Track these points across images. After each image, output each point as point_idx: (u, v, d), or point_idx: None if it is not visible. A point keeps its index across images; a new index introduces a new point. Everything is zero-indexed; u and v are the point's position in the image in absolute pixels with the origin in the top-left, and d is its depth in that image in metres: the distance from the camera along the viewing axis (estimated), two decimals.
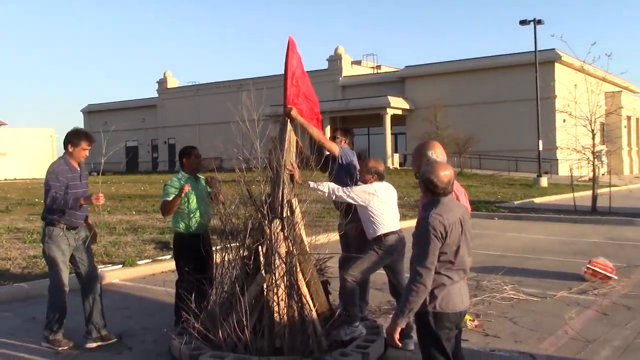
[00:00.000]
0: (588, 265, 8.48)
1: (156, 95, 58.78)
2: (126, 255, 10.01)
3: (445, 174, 3.61)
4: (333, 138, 6.49)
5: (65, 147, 5.86)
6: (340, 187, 5.60)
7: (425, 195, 3.73)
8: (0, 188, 28.59)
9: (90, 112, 63.88)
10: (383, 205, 5.52)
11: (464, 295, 3.70)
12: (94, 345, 5.73)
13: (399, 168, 40.20)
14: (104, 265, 9.07)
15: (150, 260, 9.73)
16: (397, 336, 3.55)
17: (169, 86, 58.00)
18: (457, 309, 3.59)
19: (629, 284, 8.27)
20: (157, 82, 58.63)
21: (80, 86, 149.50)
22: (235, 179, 5.64)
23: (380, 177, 5.69)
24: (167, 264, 9.52)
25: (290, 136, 5.60)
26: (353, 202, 5.58)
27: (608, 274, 8.30)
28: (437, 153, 4.62)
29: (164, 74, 58.46)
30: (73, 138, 5.86)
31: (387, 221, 5.52)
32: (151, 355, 5.54)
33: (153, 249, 10.82)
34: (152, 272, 9.20)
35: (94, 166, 57.95)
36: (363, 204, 5.52)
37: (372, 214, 5.51)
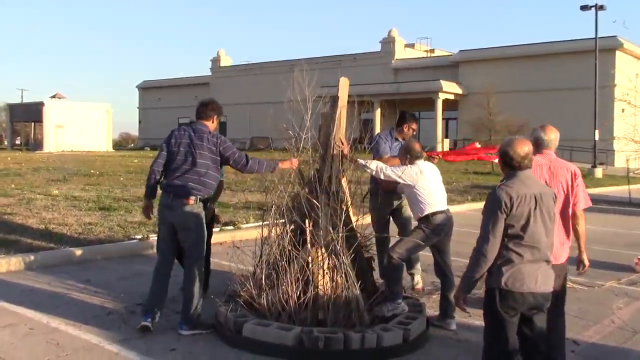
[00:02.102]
0: (639, 257, 8.30)
1: (209, 73, 59.51)
2: None
3: (523, 149, 3.63)
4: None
5: (210, 117, 5.64)
6: (387, 166, 5.63)
7: (503, 171, 3.74)
8: (58, 159, 29.56)
9: (144, 88, 65.14)
10: (430, 184, 5.53)
11: (543, 278, 3.58)
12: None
13: None
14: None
15: None
16: (461, 302, 3.69)
17: (222, 65, 58.62)
18: (526, 289, 3.52)
19: None
20: (210, 60, 59.39)
21: (136, 62, 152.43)
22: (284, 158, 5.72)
23: (415, 157, 5.66)
24: (215, 236, 9.73)
25: (341, 113, 5.65)
26: (401, 181, 5.60)
27: None
28: (549, 134, 4.60)
29: (217, 52, 59.18)
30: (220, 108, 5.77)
31: (435, 200, 5.52)
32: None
33: None
34: None
35: (146, 142, 59.23)
36: (411, 183, 5.53)
37: (419, 193, 5.52)
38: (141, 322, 5.32)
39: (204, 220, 5.50)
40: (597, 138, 31.21)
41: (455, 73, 43.81)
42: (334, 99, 5.64)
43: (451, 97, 42.19)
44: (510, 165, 3.65)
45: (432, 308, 6.12)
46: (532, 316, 3.66)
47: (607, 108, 33.85)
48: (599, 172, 29.11)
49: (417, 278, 6.80)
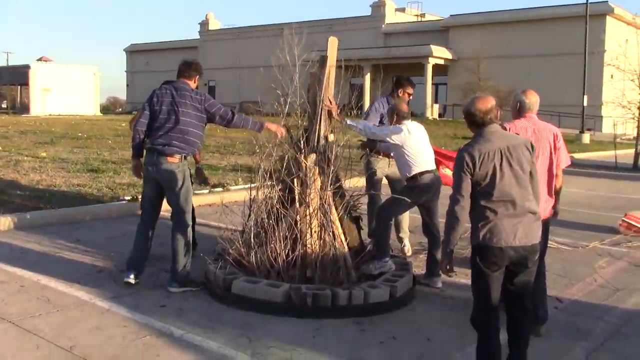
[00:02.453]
0: (623, 218, 8.45)
1: (198, 37, 58.80)
2: None
3: (485, 105, 3.64)
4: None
5: (192, 77, 5.58)
6: (375, 126, 5.65)
7: (472, 131, 3.74)
8: (46, 122, 29.29)
9: (132, 51, 64.37)
10: (418, 144, 5.56)
11: (524, 231, 3.57)
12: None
13: (437, 119, 39.75)
14: None
15: None
16: (444, 265, 3.71)
17: (210, 28, 57.90)
18: (504, 243, 3.53)
19: None
20: (198, 23, 58.64)
21: (123, 25, 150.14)
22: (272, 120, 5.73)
23: (403, 118, 5.68)
24: (204, 197, 9.78)
25: (329, 73, 5.64)
26: (389, 141, 5.63)
27: None
28: (530, 98, 4.76)
29: (206, 15, 58.41)
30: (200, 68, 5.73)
31: (423, 160, 5.56)
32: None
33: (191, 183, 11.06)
34: None
35: (134, 106, 58.72)
36: (399, 142, 5.56)
37: (407, 153, 5.55)
38: (124, 279, 5.42)
39: (190, 179, 5.54)
40: (585, 104, 31.28)
41: (445, 38, 43.56)
42: (323, 59, 5.62)
43: (441, 62, 42.02)
44: (474, 122, 3.67)
45: (418, 267, 6.21)
46: (517, 272, 3.70)
47: (596, 74, 33.86)
48: (586, 137, 29.27)
49: (406, 242, 6.86)
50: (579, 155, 22.02)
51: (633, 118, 17.99)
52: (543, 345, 4.31)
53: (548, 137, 4.68)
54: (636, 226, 8.24)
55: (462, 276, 6.05)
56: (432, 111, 41.29)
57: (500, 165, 3.56)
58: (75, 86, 49.46)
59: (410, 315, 5.00)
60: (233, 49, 54.68)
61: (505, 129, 4.23)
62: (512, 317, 3.82)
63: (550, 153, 4.70)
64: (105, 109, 60.63)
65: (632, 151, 18.22)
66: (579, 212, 10.23)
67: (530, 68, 38.94)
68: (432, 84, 41.98)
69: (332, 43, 5.70)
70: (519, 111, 4.76)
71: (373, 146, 6.34)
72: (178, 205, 5.44)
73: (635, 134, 18.31)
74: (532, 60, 39.38)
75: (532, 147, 3.70)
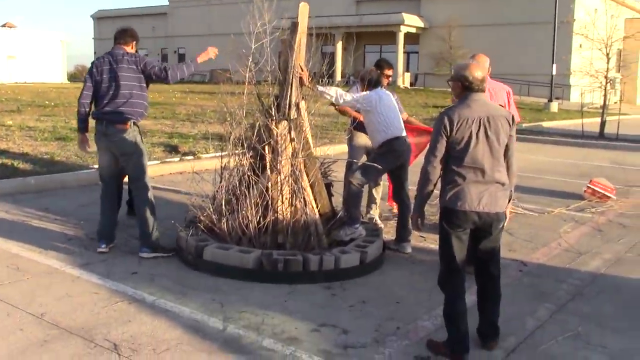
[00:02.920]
0: (588, 185, 8.63)
1: (167, 3, 57.66)
2: None
3: (482, 72, 3.74)
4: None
5: (129, 44, 5.68)
6: (347, 93, 5.66)
7: (458, 95, 3.80)
8: (11, 90, 28.61)
9: (100, 17, 62.91)
10: (388, 110, 5.60)
11: (490, 199, 3.66)
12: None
13: (409, 87, 39.81)
14: None
15: (159, 162, 9.92)
16: (415, 220, 3.87)
17: None
18: (467, 207, 3.62)
19: (627, 204, 8.44)
20: None
21: None
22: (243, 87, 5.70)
23: (373, 85, 5.70)
24: (175, 165, 9.74)
25: (300, 39, 5.61)
26: (360, 107, 5.66)
27: (607, 194, 8.45)
28: (481, 62, 5.12)
29: None
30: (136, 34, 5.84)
31: (393, 126, 5.61)
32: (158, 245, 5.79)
33: (162, 151, 11.00)
34: (160, 173, 9.40)
35: None
36: (369, 108, 5.59)
37: (378, 120, 5.59)
38: (97, 249, 5.45)
39: (142, 143, 5.59)
40: (554, 73, 31.57)
41: (417, 6, 43.34)
42: (294, 25, 5.58)
43: (413, 30, 41.88)
44: (467, 87, 3.72)
45: (389, 233, 6.30)
46: (481, 237, 3.81)
47: (566, 43, 34.14)
48: (554, 106, 29.61)
49: (376, 217, 6.83)
50: (547, 124, 22.34)
51: (600, 87, 18.23)
52: (508, 307, 4.42)
53: (503, 95, 5.16)
54: (600, 192, 8.44)
55: (431, 242, 6.18)
56: (404, 80, 41.26)
57: (477, 133, 3.64)
58: (42, 53, 48.31)
59: (380, 280, 5.09)
60: (204, 15, 53.77)
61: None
62: (480, 284, 3.94)
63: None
64: (73, 77, 59.30)
65: (599, 119, 18.52)
66: (546, 179, 10.44)
67: (501, 37, 39.05)
68: (404, 52, 41.87)
69: (303, 9, 5.66)
70: None
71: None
72: (135, 170, 5.50)
73: (602, 103, 18.58)
74: (503, 28, 39.48)
75: (513, 120, 3.77)
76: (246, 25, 5.70)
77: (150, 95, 6.37)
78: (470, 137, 3.63)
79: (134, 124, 5.47)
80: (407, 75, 42.33)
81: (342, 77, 32.90)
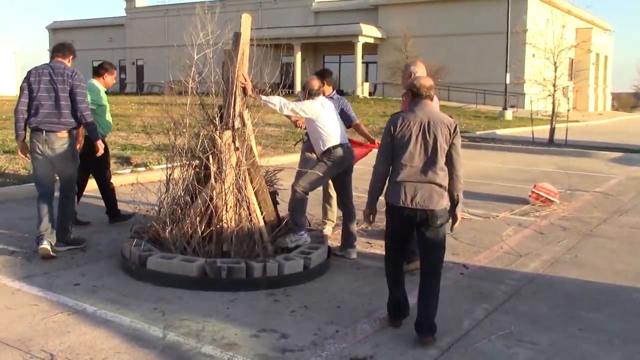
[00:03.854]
0: (533, 190, 8.88)
1: (124, 14, 57.14)
2: None
3: (428, 82, 4.24)
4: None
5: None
6: (290, 102, 5.75)
7: (409, 102, 4.30)
8: None
9: (55, 29, 61.90)
10: (330, 118, 5.70)
11: (423, 197, 4.00)
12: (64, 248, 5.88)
13: (368, 97, 40.18)
14: None
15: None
16: (367, 214, 4.34)
17: (137, 5, 56.32)
18: (401, 203, 4.01)
19: (569, 207, 8.71)
20: (125, 0, 56.87)
21: (45, 2, 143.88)
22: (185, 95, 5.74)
23: (315, 95, 5.81)
24: (127, 177, 9.68)
25: (244, 49, 5.68)
26: (304, 115, 5.75)
27: (550, 198, 8.71)
28: (419, 68, 5.61)
29: None
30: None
31: (335, 134, 5.71)
32: (102, 256, 5.78)
33: (113, 163, 10.91)
34: None
35: None
36: (312, 117, 5.68)
37: (320, 127, 5.69)
38: (38, 248, 5.60)
39: (76, 152, 5.96)
40: (507, 81, 32.30)
41: (375, 17, 43.88)
42: (236, 36, 5.66)
43: (371, 40, 42.34)
44: (417, 94, 4.18)
45: (335, 240, 6.39)
46: (422, 231, 4.10)
47: (518, 52, 34.93)
48: (509, 114, 30.30)
49: (328, 228, 6.90)
50: (500, 131, 22.84)
51: (549, 95, 18.73)
52: (447, 309, 4.55)
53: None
54: (543, 196, 8.69)
55: (377, 247, 6.30)
56: (363, 90, 41.68)
57: (417, 135, 4.03)
58: None
59: (323, 286, 5.16)
60: (161, 26, 53.39)
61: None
62: (422, 279, 4.18)
63: None
64: None
65: (549, 127, 19.01)
66: (494, 185, 10.70)
67: (456, 47, 39.79)
68: (362, 62, 42.30)
69: (246, 20, 5.74)
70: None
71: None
72: (68, 177, 5.91)
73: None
74: (458, 39, 40.21)
75: (456, 128, 4.12)
76: (188, 36, 5.77)
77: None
78: (410, 137, 4.04)
79: (70, 132, 5.79)
80: (366, 85, 42.76)
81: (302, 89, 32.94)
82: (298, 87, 33.63)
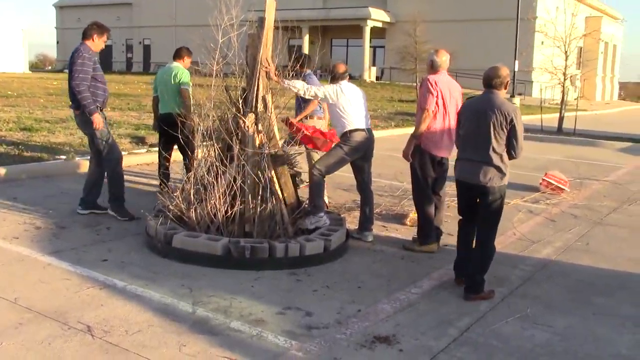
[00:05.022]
0: (543, 177, 9.01)
1: None
2: None
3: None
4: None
5: (91, 37, 6.30)
6: (312, 86, 5.86)
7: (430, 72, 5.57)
8: None
9: (62, 7, 61.77)
10: (349, 103, 5.80)
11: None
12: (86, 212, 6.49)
13: (375, 82, 40.15)
14: (82, 156, 9.30)
15: (127, 153, 9.98)
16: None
17: None
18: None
19: (579, 196, 8.83)
20: None
21: None
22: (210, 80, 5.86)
23: (339, 78, 5.93)
24: (142, 157, 9.82)
25: (268, 34, 5.79)
26: (324, 100, 5.86)
27: (561, 186, 8.83)
28: (440, 56, 5.73)
29: None
30: (100, 29, 6.47)
31: (355, 118, 5.81)
32: (128, 233, 5.93)
33: (129, 142, 11.06)
34: (127, 164, 9.46)
35: (64, 64, 56.51)
36: (331, 101, 5.79)
37: (340, 111, 5.80)
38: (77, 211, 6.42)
39: (103, 126, 6.31)
40: (516, 69, 32.23)
41: (384, 1, 43.72)
42: (261, 20, 5.76)
43: (379, 25, 42.24)
44: (434, 68, 5.45)
45: (352, 223, 6.53)
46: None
47: (528, 40, 34.85)
48: (516, 101, 30.23)
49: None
50: None
51: (559, 83, 18.77)
52: (462, 293, 4.70)
53: (457, 96, 5.77)
54: (554, 184, 8.82)
55: (392, 230, 6.45)
56: (370, 74, 41.64)
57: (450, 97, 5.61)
58: (2, 42, 47.28)
59: (343, 267, 5.32)
60: (169, 6, 53.20)
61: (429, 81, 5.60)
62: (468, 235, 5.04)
63: (456, 107, 5.66)
64: (34, 67, 58.31)
65: (558, 115, 19.08)
66: None
67: (465, 32, 39.65)
68: (370, 46, 42.22)
69: (270, 4, 5.83)
70: (432, 68, 5.71)
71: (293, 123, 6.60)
72: (97, 150, 6.46)
73: (561, 99, 19.15)
74: (467, 24, 40.09)
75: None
76: (213, 19, 5.86)
77: (115, 87, 6.89)
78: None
79: (98, 107, 6.32)
80: (374, 69, 42.70)
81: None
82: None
